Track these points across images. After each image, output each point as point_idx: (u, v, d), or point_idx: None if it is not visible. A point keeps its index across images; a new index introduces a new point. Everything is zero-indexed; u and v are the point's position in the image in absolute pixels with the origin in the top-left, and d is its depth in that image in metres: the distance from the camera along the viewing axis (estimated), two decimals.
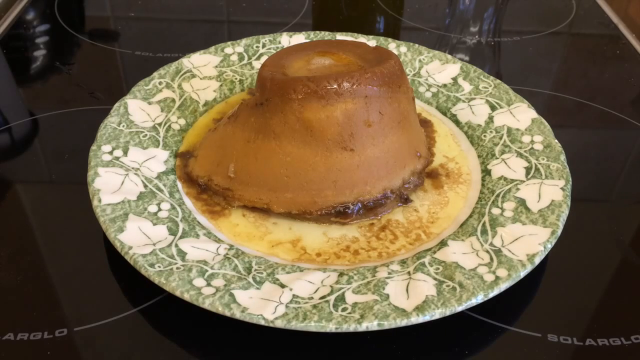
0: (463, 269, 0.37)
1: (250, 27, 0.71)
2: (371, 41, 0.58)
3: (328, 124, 0.40)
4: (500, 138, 0.48)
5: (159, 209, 0.41)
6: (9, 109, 0.56)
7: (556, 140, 0.47)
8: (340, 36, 0.59)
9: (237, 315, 0.34)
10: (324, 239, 0.41)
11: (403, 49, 0.57)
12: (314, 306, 0.35)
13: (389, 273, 0.37)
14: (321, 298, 0.35)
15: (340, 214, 0.42)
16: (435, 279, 0.36)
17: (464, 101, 0.53)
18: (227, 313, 0.34)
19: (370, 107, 0.41)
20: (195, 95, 0.52)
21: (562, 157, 0.45)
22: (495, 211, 0.42)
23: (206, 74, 0.54)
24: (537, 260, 0.37)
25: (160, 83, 0.52)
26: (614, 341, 0.37)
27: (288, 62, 0.44)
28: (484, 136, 0.49)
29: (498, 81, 0.53)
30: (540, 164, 0.45)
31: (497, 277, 0.36)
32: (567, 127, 0.56)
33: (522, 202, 0.42)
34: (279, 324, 0.33)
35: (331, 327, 0.33)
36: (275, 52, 0.51)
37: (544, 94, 0.60)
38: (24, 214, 0.44)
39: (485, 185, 0.45)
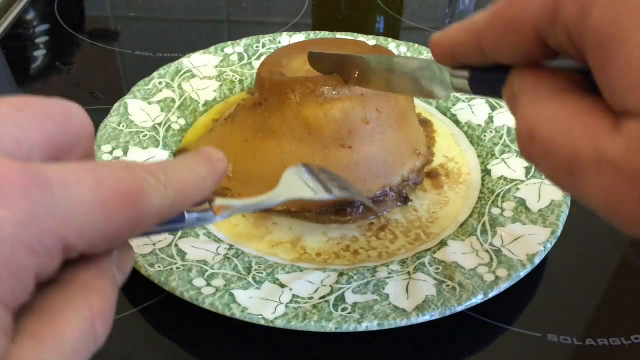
0: (463, 269, 0.37)
1: (250, 27, 0.71)
2: (371, 41, 0.58)
3: (326, 122, 0.40)
4: (500, 138, 0.48)
5: None
6: None
7: None
8: (340, 36, 0.59)
9: (237, 315, 0.34)
10: (323, 239, 0.41)
11: (403, 49, 0.57)
12: (314, 306, 0.35)
13: (389, 273, 0.37)
14: (321, 298, 0.35)
15: (339, 212, 0.42)
16: (435, 279, 0.36)
17: (464, 101, 0.52)
18: (227, 313, 0.34)
19: (367, 104, 0.41)
20: (195, 95, 0.52)
21: None
22: (495, 211, 0.42)
23: (206, 74, 0.54)
24: (537, 260, 0.37)
25: (160, 83, 0.52)
26: (614, 341, 0.37)
27: (287, 62, 0.44)
28: (484, 136, 0.49)
29: None
30: None
31: (497, 277, 0.36)
32: None
33: (522, 202, 0.42)
34: (279, 324, 0.33)
35: (331, 327, 0.33)
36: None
37: None
38: None
39: (485, 185, 0.45)
